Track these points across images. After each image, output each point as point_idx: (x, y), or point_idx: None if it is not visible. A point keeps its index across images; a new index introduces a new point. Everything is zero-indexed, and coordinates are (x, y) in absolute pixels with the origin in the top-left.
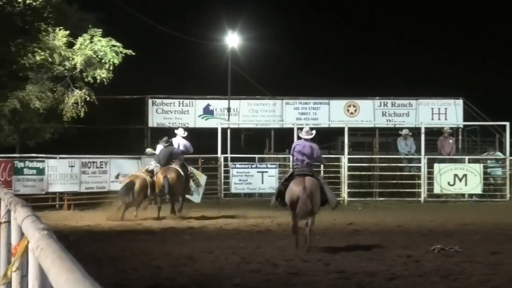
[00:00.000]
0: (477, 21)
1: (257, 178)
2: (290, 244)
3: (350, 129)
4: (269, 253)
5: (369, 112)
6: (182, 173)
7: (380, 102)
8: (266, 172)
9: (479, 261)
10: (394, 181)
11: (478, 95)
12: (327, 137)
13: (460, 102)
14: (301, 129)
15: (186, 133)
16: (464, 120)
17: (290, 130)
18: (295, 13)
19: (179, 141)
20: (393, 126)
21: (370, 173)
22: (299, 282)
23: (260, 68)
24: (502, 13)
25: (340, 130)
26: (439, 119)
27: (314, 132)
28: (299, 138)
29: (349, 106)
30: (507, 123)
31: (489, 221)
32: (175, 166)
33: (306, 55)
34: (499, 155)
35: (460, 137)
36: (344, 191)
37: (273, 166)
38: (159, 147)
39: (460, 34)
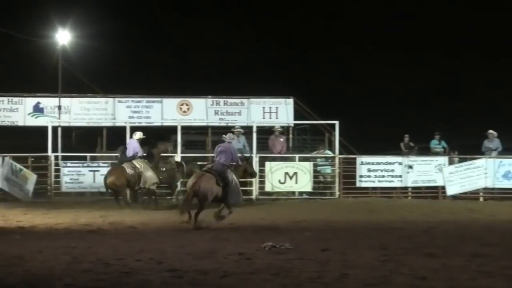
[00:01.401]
0: (305, 22)
1: (89, 177)
2: (122, 243)
3: (183, 127)
4: (100, 253)
5: (201, 111)
6: (129, 171)
7: (213, 101)
8: (98, 171)
9: (310, 258)
10: None
11: (308, 94)
12: (160, 136)
13: (290, 101)
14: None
15: (143, 137)
16: (295, 119)
17: (123, 129)
18: (127, 10)
19: (132, 144)
20: (225, 124)
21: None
22: (131, 281)
23: (92, 65)
24: (331, 14)
25: (173, 129)
26: (270, 118)
27: (234, 137)
28: (223, 141)
29: (182, 104)
30: (337, 122)
31: (319, 219)
32: (124, 165)
33: (139, 53)
34: (329, 153)
35: (290, 135)
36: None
37: (105, 165)
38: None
39: (291, 34)
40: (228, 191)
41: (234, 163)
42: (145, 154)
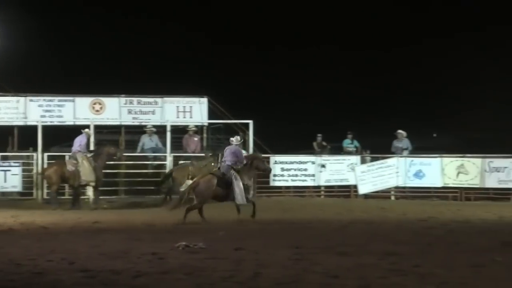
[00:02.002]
0: (218, 21)
1: (0, 177)
2: (33, 244)
3: (96, 126)
4: (12, 253)
5: (114, 110)
6: (69, 167)
7: (126, 100)
8: (9, 170)
9: (223, 257)
10: (140, 179)
11: (222, 94)
12: (72, 135)
13: (205, 100)
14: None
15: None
16: (209, 118)
17: (34, 128)
18: (39, 7)
19: (78, 138)
20: (139, 124)
21: (116, 171)
22: (43, 282)
23: (2, 64)
24: (243, 12)
25: (86, 128)
26: (184, 117)
27: (242, 140)
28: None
29: (95, 103)
30: (250, 121)
31: (233, 218)
32: (66, 160)
33: (52, 52)
34: (243, 152)
35: (205, 135)
36: (89, 189)
37: (16, 164)
38: None
39: (204, 33)
40: (231, 191)
41: (241, 164)
42: (91, 150)
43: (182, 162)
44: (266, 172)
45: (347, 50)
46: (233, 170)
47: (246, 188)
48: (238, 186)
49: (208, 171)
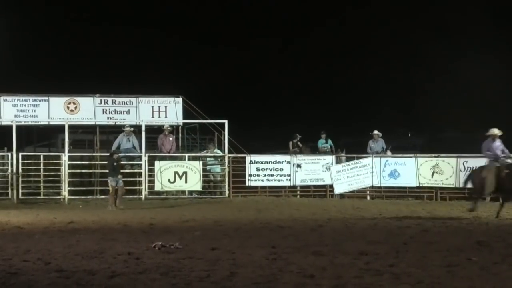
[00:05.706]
0: (193, 21)
1: None
2: (8, 244)
3: (70, 126)
4: None
5: (89, 110)
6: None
7: (101, 100)
8: None
9: (199, 257)
10: None
11: (197, 93)
12: (47, 135)
13: (179, 100)
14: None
15: None
16: (184, 118)
17: (9, 127)
18: (13, 7)
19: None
20: (114, 123)
21: (91, 170)
22: (18, 282)
23: None
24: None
25: (60, 128)
26: (159, 117)
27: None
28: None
29: (69, 103)
30: (226, 121)
31: (209, 218)
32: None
33: (26, 51)
34: (218, 152)
35: (180, 134)
36: (65, 189)
37: None
38: None
39: (179, 34)
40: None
41: None
42: None
43: None
44: None
45: (319, 50)
46: None
47: None
48: None
49: None
